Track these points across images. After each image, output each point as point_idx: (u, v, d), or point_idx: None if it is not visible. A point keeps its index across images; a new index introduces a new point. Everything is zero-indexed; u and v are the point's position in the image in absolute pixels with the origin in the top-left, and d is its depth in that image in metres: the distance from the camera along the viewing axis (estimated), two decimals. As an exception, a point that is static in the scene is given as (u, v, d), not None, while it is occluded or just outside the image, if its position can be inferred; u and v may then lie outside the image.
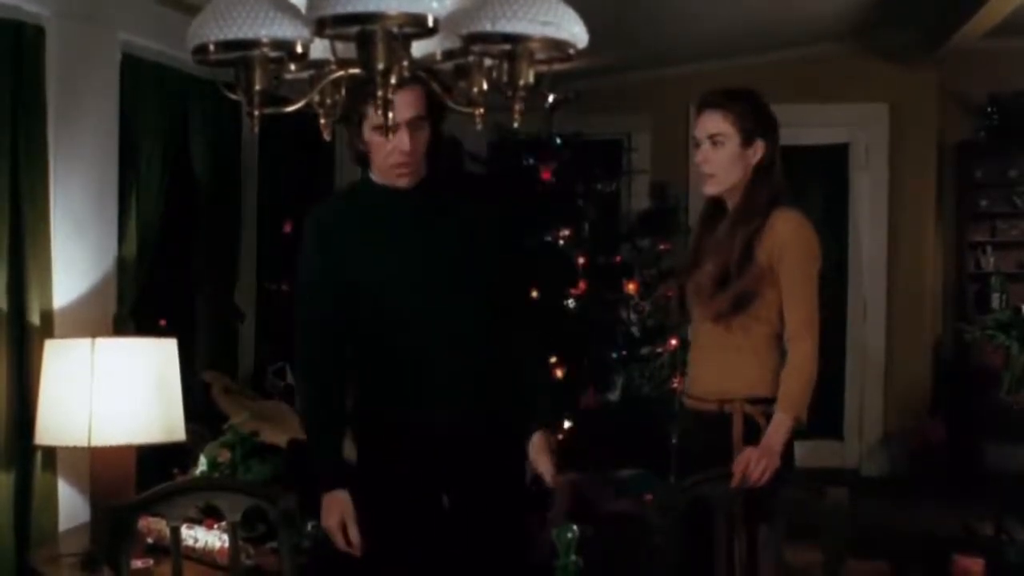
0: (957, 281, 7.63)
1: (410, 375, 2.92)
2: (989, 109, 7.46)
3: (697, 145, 3.17)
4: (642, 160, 7.73)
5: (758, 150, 3.13)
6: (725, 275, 3.10)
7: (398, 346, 2.94)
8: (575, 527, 1.98)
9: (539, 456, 2.94)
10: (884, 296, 7.60)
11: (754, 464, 2.97)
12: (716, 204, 3.26)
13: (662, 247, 6.73)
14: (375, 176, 2.94)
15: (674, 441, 3.44)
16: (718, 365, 3.15)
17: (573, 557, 1.98)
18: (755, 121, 3.13)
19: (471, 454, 2.94)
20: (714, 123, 3.12)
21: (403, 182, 2.88)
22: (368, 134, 2.81)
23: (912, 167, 7.51)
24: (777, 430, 3.02)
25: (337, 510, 2.87)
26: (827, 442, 7.49)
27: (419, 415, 2.93)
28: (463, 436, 2.93)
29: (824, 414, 7.81)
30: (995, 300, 7.34)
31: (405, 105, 2.71)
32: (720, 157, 3.12)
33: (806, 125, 7.15)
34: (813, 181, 7.63)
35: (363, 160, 2.93)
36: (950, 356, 7.63)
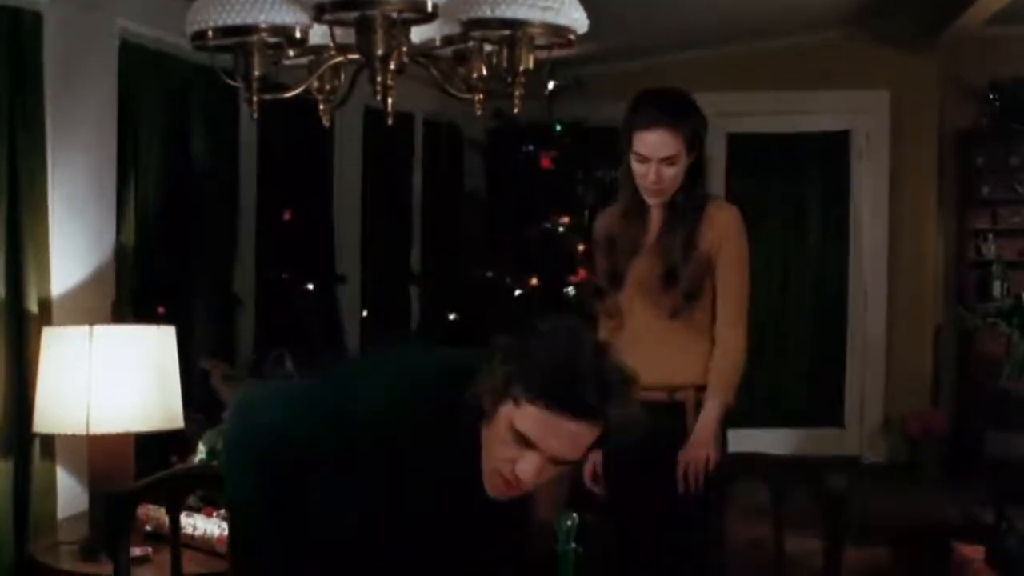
0: (958, 269, 7.61)
1: None
2: (990, 96, 7.43)
3: (642, 160, 3.11)
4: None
5: (695, 152, 3.13)
6: (672, 272, 3.12)
7: None
8: (575, 514, 1.97)
9: None
10: (885, 284, 7.59)
11: (697, 461, 3.00)
12: (638, 200, 3.22)
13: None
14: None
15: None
16: (666, 355, 3.11)
17: (572, 544, 1.97)
18: (695, 130, 3.13)
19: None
20: (666, 145, 3.08)
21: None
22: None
23: (913, 154, 7.49)
24: (712, 416, 3.05)
25: None
26: (828, 430, 7.50)
27: None
28: None
29: (825, 402, 7.84)
30: (996, 288, 7.32)
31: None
32: (671, 175, 3.12)
33: (806, 112, 7.14)
34: (813, 169, 7.60)
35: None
36: (951, 344, 7.62)
